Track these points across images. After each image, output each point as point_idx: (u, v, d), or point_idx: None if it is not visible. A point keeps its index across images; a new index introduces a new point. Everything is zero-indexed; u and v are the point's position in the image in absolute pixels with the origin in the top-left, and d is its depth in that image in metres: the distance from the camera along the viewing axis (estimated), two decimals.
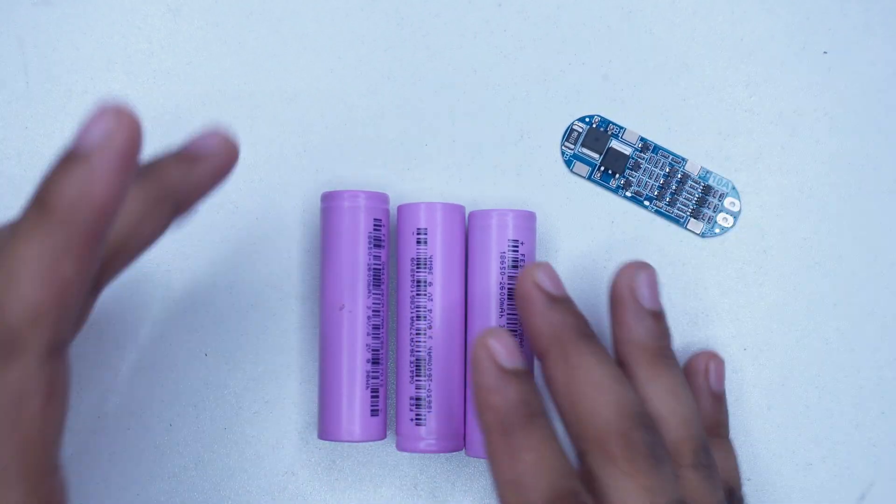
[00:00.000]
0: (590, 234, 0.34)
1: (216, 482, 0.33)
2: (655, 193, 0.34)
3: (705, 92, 0.35)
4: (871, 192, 0.34)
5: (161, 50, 0.34)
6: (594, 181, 0.34)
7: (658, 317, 0.30)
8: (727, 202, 0.34)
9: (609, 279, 0.30)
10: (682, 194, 0.34)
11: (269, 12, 0.34)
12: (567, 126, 0.34)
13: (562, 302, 0.29)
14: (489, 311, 0.31)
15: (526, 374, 0.27)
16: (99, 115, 0.21)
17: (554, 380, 0.28)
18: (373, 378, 0.31)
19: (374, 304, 0.31)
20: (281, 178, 0.34)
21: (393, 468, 0.34)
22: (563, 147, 0.34)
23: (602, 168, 0.34)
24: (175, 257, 0.34)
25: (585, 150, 0.34)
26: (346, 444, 0.33)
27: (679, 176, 0.34)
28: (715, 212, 0.34)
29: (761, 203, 0.34)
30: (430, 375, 0.31)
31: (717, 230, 0.34)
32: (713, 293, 0.34)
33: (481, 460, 0.33)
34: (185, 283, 0.34)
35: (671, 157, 0.34)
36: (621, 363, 0.30)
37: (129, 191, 0.21)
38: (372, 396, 0.31)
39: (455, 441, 0.32)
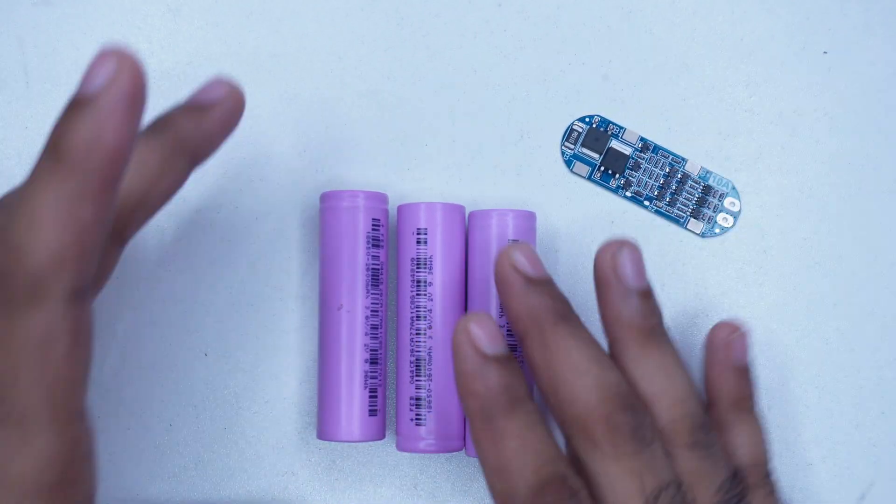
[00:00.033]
0: (590, 234, 0.34)
1: (216, 482, 0.33)
2: (655, 193, 0.34)
3: (705, 92, 0.35)
4: (871, 192, 0.34)
5: (161, 50, 0.34)
6: (594, 181, 0.34)
7: (645, 294, 0.29)
8: (727, 202, 0.34)
9: (591, 259, 0.29)
10: (682, 194, 0.34)
11: (269, 12, 0.34)
12: (567, 126, 0.34)
13: (540, 284, 0.28)
14: (488, 310, 0.31)
15: (508, 359, 0.27)
16: (101, 59, 0.21)
17: (534, 364, 0.28)
18: (371, 378, 0.31)
19: (372, 304, 0.31)
20: (281, 178, 0.34)
21: (393, 468, 0.34)
22: (563, 147, 0.34)
23: (602, 168, 0.34)
24: (175, 257, 0.34)
25: (585, 150, 0.34)
26: (346, 444, 0.33)
27: (679, 176, 0.34)
28: (715, 212, 0.34)
29: (761, 203, 0.34)
30: (429, 375, 0.31)
31: (717, 230, 0.34)
32: (713, 293, 0.34)
33: None
34: (185, 283, 0.34)
35: (671, 157, 0.34)
36: (611, 345, 0.29)
37: (138, 133, 0.21)
38: (370, 396, 0.31)
39: (455, 441, 0.32)
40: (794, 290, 0.34)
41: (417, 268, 0.32)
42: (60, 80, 0.34)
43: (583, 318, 0.28)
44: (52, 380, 0.22)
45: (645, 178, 0.34)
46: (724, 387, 0.31)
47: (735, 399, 0.31)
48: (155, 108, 0.26)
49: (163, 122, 0.27)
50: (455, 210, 0.32)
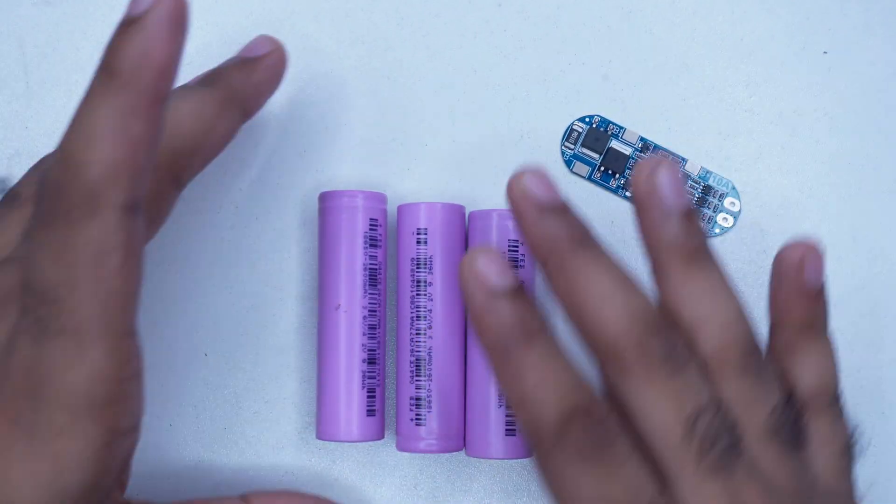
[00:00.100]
0: None
1: (216, 482, 0.33)
2: None
3: (705, 92, 0.35)
4: (871, 192, 0.34)
5: None
6: (594, 181, 0.34)
7: (686, 214, 0.27)
8: (727, 202, 0.34)
9: (629, 182, 0.28)
10: None
11: (269, 12, 0.34)
12: (567, 126, 0.34)
13: (554, 210, 0.26)
14: None
15: (519, 291, 0.26)
16: None
17: (557, 292, 0.26)
18: (369, 378, 0.31)
19: (370, 303, 0.31)
20: (281, 178, 0.34)
21: (393, 468, 0.34)
22: (563, 147, 0.34)
23: (602, 168, 0.34)
24: (175, 257, 0.34)
25: (585, 150, 0.34)
26: (346, 444, 0.33)
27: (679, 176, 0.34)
28: (715, 212, 0.34)
29: (761, 203, 0.34)
30: (429, 375, 0.31)
31: (717, 230, 0.34)
32: None
33: (481, 460, 0.33)
34: (185, 283, 0.34)
35: (671, 157, 0.34)
36: (653, 270, 0.27)
37: (182, 52, 0.23)
38: (368, 396, 0.31)
39: (455, 441, 0.32)
40: None
41: (417, 268, 0.32)
42: (60, 80, 0.34)
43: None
44: (106, 293, 0.23)
45: None
46: (794, 310, 0.29)
47: (805, 322, 0.29)
48: None
49: (216, 74, 0.30)
50: (455, 210, 0.32)
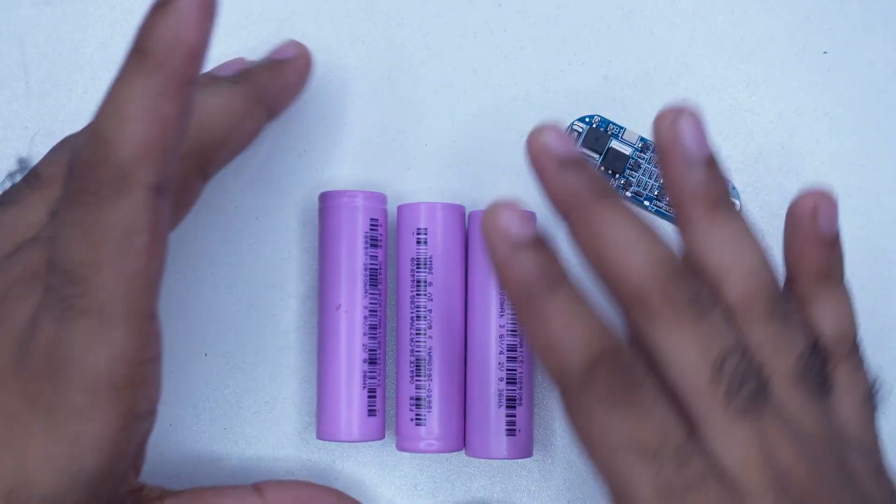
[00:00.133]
0: None
1: (216, 482, 0.33)
2: (655, 193, 0.34)
3: (705, 92, 0.35)
4: (871, 192, 0.34)
5: None
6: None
7: (709, 162, 0.27)
8: None
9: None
10: None
11: (269, 12, 0.34)
12: (567, 126, 0.34)
13: (574, 164, 0.26)
14: (489, 310, 0.31)
15: (541, 242, 0.26)
16: None
17: (580, 244, 0.26)
18: (370, 378, 0.31)
19: (371, 303, 0.31)
20: (281, 178, 0.34)
21: (393, 468, 0.34)
22: None
23: (602, 168, 0.34)
24: (175, 257, 0.34)
25: (585, 150, 0.34)
26: (346, 444, 0.33)
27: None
28: None
29: (761, 203, 0.34)
30: (430, 375, 0.31)
31: None
32: None
33: (481, 460, 0.33)
34: (185, 283, 0.34)
35: None
36: (677, 218, 0.28)
37: (211, 36, 0.23)
38: (369, 396, 0.31)
39: (455, 441, 0.32)
40: None
41: (417, 268, 0.32)
42: (60, 80, 0.34)
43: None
44: (132, 274, 0.23)
45: (645, 178, 0.34)
46: (809, 259, 0.29)
47: (821, 271, 0.29)
48: None
49: (246, 73, 0.31)
50: (455, 210, 0.32)
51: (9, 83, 0.34)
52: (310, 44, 0.34)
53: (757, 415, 0.25)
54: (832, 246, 0.29)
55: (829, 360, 0.28)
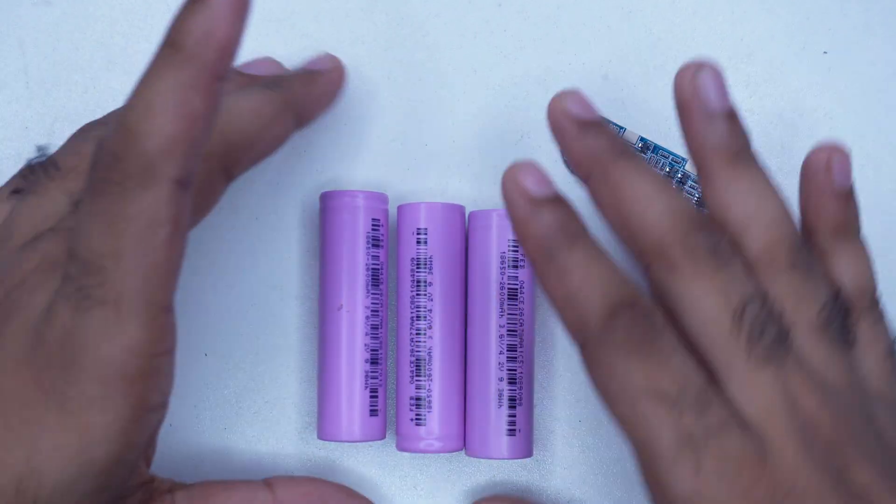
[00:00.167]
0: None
1: None
2: None
3: None
4: (871, 192, 0.34)
5: None
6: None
7: (730, 116, 0.27)
8: None
9: (671, 87, 0.28)
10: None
11: (269, 12, 0.34)
12: None
13: (594, 125, 0.27)
14: (489, 310, 0.31)
15: (560, 200, 0.26)
16: None
17: (602, 203, 0.27)
18: (372, 378, 0.31)
19: (372, 304, 0.31)
20: (281, 178, 0.34)
21: (393, 468, 0.34)
22: None
23: None
24: None
25: None
26: (346, 444, 0.33)
27: (679, 176, 0.34)
28: None
29: None
30: (430, 375, 0.31)
31: None
32: None
33: (481, 460, 0.33)
34: (185, 283, 0.34)
35: (671, 157, 0.34)
36: (699, 172, 0.28)
37: (243, 34, 0.23)
38: (371, 396, 0.31)
39: (455, 441, 0.32)
40: None
41: (417, 268, 0.32)
42: (60, 80, 0.34)
43: None
44: (151, 266, 0.23)
45: None
46: (824, 212, 0.29)
47: (838, 225, 0.29)
48: None
49: (279, 79, 0.31)
50: (455, 210, 0.32)
51: (9, 83, 0.34)
52: (310, 44, 0.34)
53: (779, 363, 0.25)
54: (847, 199, 0.29)
55: (852, 311, 0.28)
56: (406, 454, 0.33)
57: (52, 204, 0.28)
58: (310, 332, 0.34)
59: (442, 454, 0.33)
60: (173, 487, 0.29)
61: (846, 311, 0.27)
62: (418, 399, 0.31)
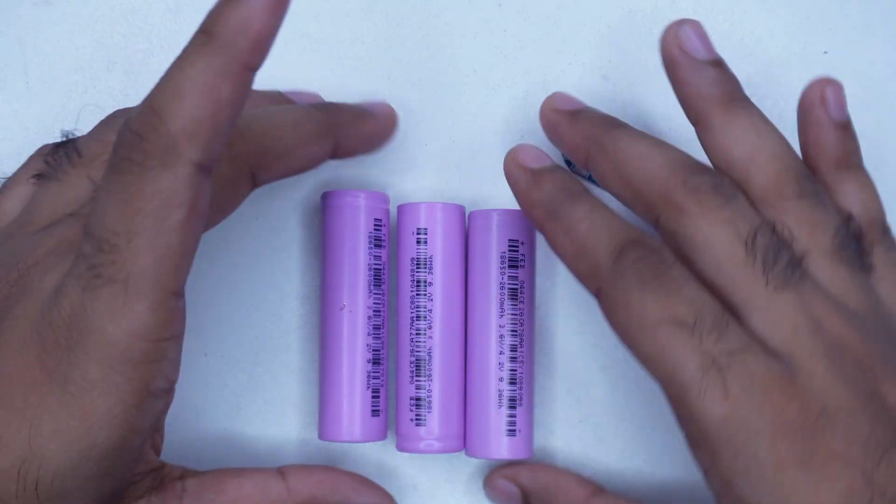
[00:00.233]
0: None
1: None
2: None
3: None
4: None
5: (161, 50, 0.34)
6: (594, 181, 0.34)
7: (717, 63, 0.29)
8: None
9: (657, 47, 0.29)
10: None
11: None
12: None
13: (582, 112, 0.29)
14: (489, 310, 0.31)
15: (558, 168, 0.28)
16: None
17: (605, 175, 0.28)
18: (374, 378, 0.31)
19: (374, 304, 0.31)
20: None
21: (393, 468, 0.34)
22: None
23: None
24: None
25: None
26: (347, 444, 0.33)
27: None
28: None
29: None
30: (430, 375, 0.31)
31: None
32: None
33: (481, 460, 0.33)
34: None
35: None
36: (696, 123, 0.29)
37: (279, 29, 0.23)
38: (373, 397, 0.31)
39: (455, 441, 0.32)
40: None
41: (417, 268, 0.32)
42: (60, 80, 0.34)
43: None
44: (163, 248, 0.23)
45: None
46: (825, 146, 0.29)
47: (839, 156, 0.29)
48: None
49: (330, 105, 0.31)
50: (455, 210, 0.32)
51: (9, 83, 0.34)
52: (310, 44, 0.34)
53: (798, 288, 0.25)
54: (845, 129, 0.29)
55: (864, 235, 0.28)
56: (406, 454, 0.33)
57: (72, 190, 0.28)
58: (310, 332, 0.34)
59: (442, 454, 0.33)
60: (184, 474, 0.28)
61: (859, 236, 0.28)
62: (418, 399, 0.31)
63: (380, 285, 0.32)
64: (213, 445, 0.33)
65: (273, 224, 0.34)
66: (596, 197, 0.27)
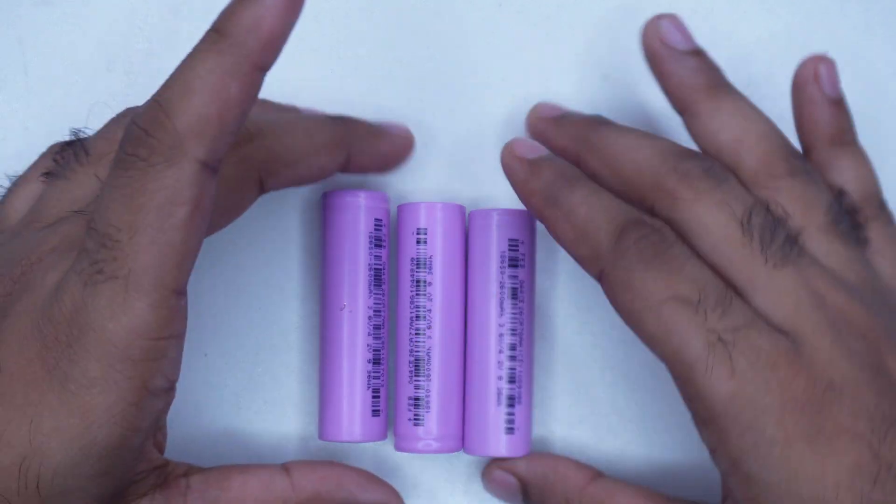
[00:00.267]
0: None
1: None
2: None
3: None
4: None
5: (161, 50, 0.34)
6: None
7: (697, 53, 0.29)
8: None
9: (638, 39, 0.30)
10: None
11: None
12: None
13: (566, 117, 0.29)
14: (489, 310, 0.31)
15: (554, 157, 0.28)
16: None
17: (596, 171, 0.28)
18: (374, 378, 0.31)
19: (375, 304, 0.31)
20: None
21: (393, 468, 0.34)
22: None
23: None
24: None
25: None
26: (346, 444, 0.33)
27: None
28: None
29: None
30: (428, 375, 0.31)
31: None
32: None
33: (481, 459, 0.33)
34: None
35: None
36: (683, 114, 0.29)
37: (291, 31, 0.23)
38: (373, 397, 0.31)
39: (454, 441, 0.32)
40: None
41: (417, 268, 0.32)
42: (60, 80, 0.34)
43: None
44: (166, 245, 0.23)
45: None
46: (819, 123, 0.30)
47: (833, 133, 0.30)
48: None
49: (348, 119, 0.31)
50: (455, 210, 0.32)
51: (9, 83, 0.34)
52: (310, 44, 0.34)
53: (797, 264, 0.26)
54: (839, 106, 0.30)
55: (858, 211, 0.28)
56: (406, 454, 0.33)
57: (79, 188, 0.28)
58: (310, 332, 0.34)
59: (441, 454, 0.33)
60: (189, 471, 0.28)
61: (852, 209, 0.28)
62: (417, 399, 0.31)
63: (380, 285, 0.32)
64: (214, 445, 0.33)
65: (273, 223, 0.34)
66: (593, 182, 0.28)
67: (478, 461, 0.33)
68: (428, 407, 0.31)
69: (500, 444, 0.31)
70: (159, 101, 0.23)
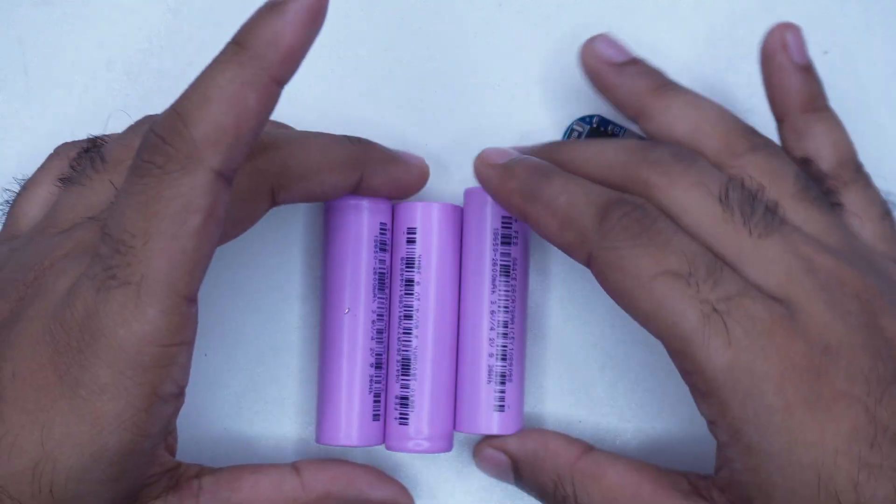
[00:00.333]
0: None
1: None
2: None
3: (705, 92, 0.34)
4: None
5: (161, 50, 0.34)
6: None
7: (635, 62, 0.30)
8: None
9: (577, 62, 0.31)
10: None
11: None
12: (567, 126, 0.34)
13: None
14: (482, 287, 0.31)
15: (525, 157, 0.29)
16: None
17: (551, 199, 0.28)
18: (376, 383, 0.31)
19: (378, 307, 0.31)
20: None
21: (393, 468, 0.34)
22: None
23: None
24: None
25: None
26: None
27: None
28: None
29: None
30: (416, 375, 0.31)
31: None
32: None
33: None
34: None
35: None
36: (636, 119, 0.30)
37: (311, 45, 0.24)
38: (374, 401, 0.31)
39: (444, 441, 0.31)
40: None
41: (407, 267, 0.32)
42: (60, 80, 0.34)
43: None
44: (179, 252, 0.23)
45: None
46: (790, 90, 0.30)
47: (805, 100, 0.30)
48: (156, 108, 0.27)
49: (365, 141, 0.31)
50: (449, 209, 0.32)
51: (9, 83, 0.34)
52: None
53: (781, 231, 0.26)
54: (808, 72, 0.30)
55: (825, 177, 0.29)
56: (406, 455, 0.33)
57: (94, 194, 0.28)
58: (311, 333, 0.34)
59: (439, 454, 0.33)
60: (200, 472, 0.28)
61: (819, 175, 0.29)
62: (404, 398, 0.31)
63: (384, 289, 0.31)
64: (214, 445, 0.33)
65: (275, 225, 0.34)
66: (569, 173, 0.28)
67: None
68: (414, 406, 0.31)
69: (492, 422, 0.31)
70: (177, 110, 0.23)
